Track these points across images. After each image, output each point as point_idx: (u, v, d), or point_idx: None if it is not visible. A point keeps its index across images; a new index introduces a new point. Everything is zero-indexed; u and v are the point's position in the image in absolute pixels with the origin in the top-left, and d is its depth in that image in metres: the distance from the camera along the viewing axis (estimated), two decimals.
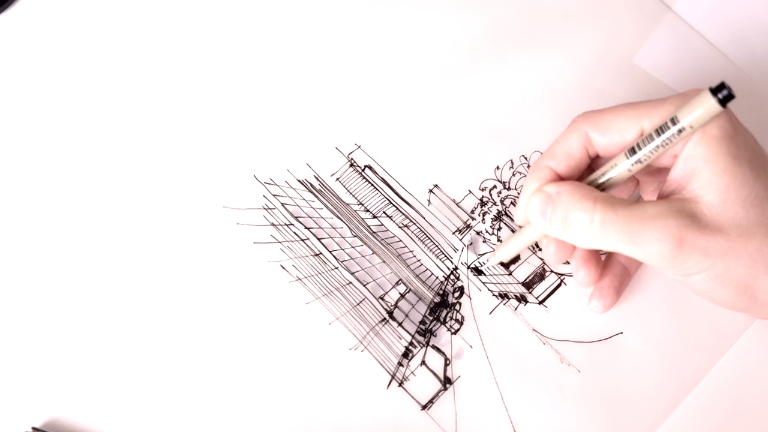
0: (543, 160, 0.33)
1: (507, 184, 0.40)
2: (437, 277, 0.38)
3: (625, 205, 0.29)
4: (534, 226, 0.33)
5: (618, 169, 0.31)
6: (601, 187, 0.31)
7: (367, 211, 0.39)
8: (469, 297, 0.38)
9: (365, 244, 0.39)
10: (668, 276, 0.32)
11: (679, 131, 0.28)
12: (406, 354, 0.37)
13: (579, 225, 0.30)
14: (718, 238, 0.29)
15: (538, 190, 0.32)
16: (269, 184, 0.40)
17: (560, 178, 0.33)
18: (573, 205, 0.30)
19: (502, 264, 0.38)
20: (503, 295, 0.38)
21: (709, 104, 0.28)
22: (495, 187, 0.40)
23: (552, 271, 0.38)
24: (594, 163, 0.34)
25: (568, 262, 0.38)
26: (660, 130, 0.29)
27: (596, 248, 0.31)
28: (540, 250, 0.39)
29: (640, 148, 0.30)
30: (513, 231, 0.39)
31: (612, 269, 0.36)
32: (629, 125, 0.31)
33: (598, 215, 0.29)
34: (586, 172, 0.34)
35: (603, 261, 0.36)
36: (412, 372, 0.37)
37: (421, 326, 0.38)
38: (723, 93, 0.27)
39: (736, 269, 0.29)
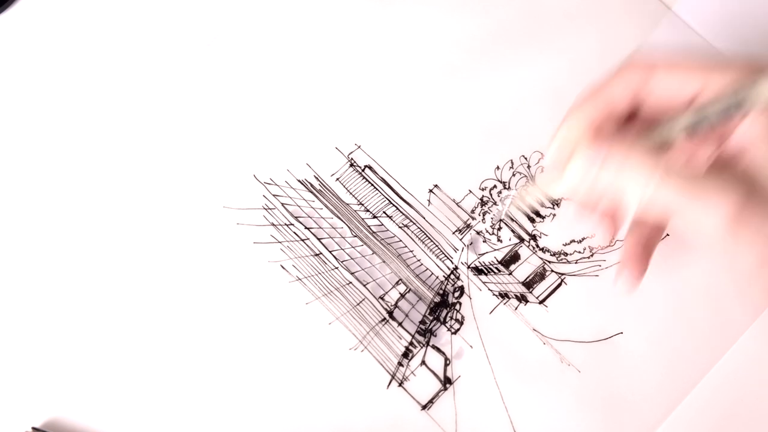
0: (586, 106, 0.31)
1: (507, 184, 0.40)
2: (437, 277, 0.38)
3: (685, 168, 0.28)
4: (566, 175, 0.30)
5: (675, 132, 0.29)
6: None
7: (367, 211, 0.39)
8: (469, 297, 0.38)
9: (365, 244, 0.39)
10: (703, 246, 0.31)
11: (740, 107, 0.28)
12: (406, 354, 0.37)
13: (637, 174, 0.28)
14: None
15: (587, 135, 0.30)
16: (269, 184, 0.40)
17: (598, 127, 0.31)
18: (639, 150, 0.29)
19: (503, 264, 0.38)
20: (503, 295, 0.38)
21: None
22: (495, 187, 0.40)
23: (552, 271, 0.38)
24: (633, 117, 0.32)
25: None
26: (722, 103, 0.28)
27: (644, 205, 0.29)
28: (540, 249, 0.39)
29: (699, 116, 0.29)
30: (513, 231, 0.39)
31: (636, 239, 0.34)
32: (684, 86, 0.30)
33: (661, 170, 0.28)
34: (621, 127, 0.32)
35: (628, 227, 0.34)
36: (412, 372, 0.37)
37: (421, 326, 0.38)
38: None
39: None
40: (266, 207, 0.39)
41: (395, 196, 0.40)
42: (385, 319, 0.38)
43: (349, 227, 0.39)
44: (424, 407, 0.36)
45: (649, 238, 0.34)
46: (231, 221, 0.39)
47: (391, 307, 0.38)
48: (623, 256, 0.34)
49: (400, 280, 0.38)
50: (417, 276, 0.38)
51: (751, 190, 0.28)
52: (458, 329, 0.37)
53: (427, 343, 0.37)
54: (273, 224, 0.39)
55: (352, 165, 0.40)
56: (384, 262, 0.39)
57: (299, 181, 0.40)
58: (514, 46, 0.42)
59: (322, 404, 0.36)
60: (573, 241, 0.39)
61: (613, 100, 0.31)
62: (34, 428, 0.36)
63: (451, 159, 0.40)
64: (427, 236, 0.39)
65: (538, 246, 0.39)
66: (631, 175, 0.29)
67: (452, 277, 0.38)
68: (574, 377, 0.37)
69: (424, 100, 0.41)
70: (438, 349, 0.37)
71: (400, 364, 0.37)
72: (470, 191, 0.40)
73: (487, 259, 0.39)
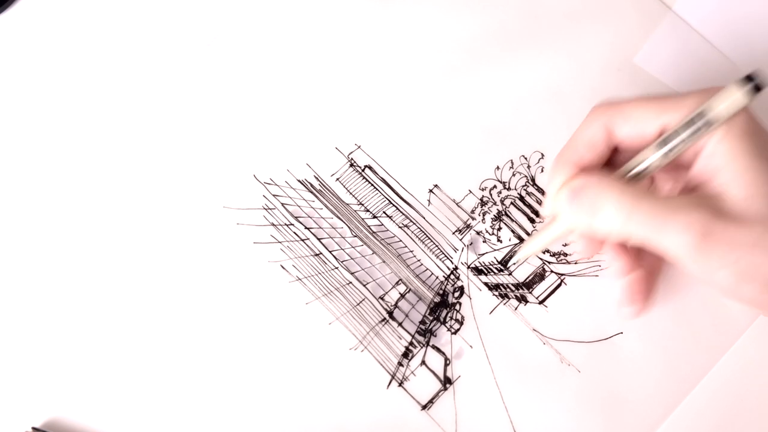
0: (566, 152, 0.33)
1: (507, 184, 0.40)
2: (437, 277, 0.38)
3: (652, 195, 0.29)
4: (560, 220, 0.32)
5: (648, 161, 0.31)
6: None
7: (367, 211, 0.39)
8: (469, 297, 0.38)
9: (365, 244, 0.39)
10: (692, 276, 0.32)
11: (709, 123, 0.29)
12: (406, 354, 0.37)
13: (607, 210, 0.30)
14: (744, 231, 0.28)
15: (567, 182, 0.32)
16: (269, 184, 0.40)
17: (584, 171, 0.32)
18: (602, 190, 0.30)
19: (503, 264, 0.38)
20: (503, 295, 0.38)
21: (739, 95, 0.28)
22: (495, 187, 0.40)
23: (552, 271, 0.38)
24: (613, 156, 0.33)
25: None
26: (690, 122, 0.29)
27: (621, 238, 0.30)
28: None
29: (669, 140, 0.30)
30: (513, 231, 0.39)
31: (639, 274, 0.36)
32: (650, 118, 0.31)
33: (627, 201, 0.29)
34: (605, 167, 0.33)
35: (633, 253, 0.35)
36: (412, 372, 0.37)
37: (421, 326, 0.38)
38: (753, 83, 0.28)
39: (763, 265, 0.29)
40: (266, 207, 0.39)
41: (395, 196, 0.40)
42: (385, 319, 0.38)
43: (349, 227, 0.39)
44: (424, 407, 0.36)
45: (649, 274, 0.35)
46: (231, 221, 0.39)
47: (391, 307, 0.38)
48: (627, 291, 0.35)
49: (400, 280, 0.38)
50: (417, 276, 0.38)
51: (719, 210, 0.29)
52: (458, 329, 0.37)
53: (427, 343, 0.37)
54: (273, 224, 0.39)
55: (352, 165, 0.40)
56: (384, 262, 0.39)
57: (299, 181, 0.40)
58: (514, 46, 0.42)
59: (322, 404, 0.36)
60: (573, 242, 0.39)
61: (587, 140, 0.32)
62: (34, 428, 0.36)
63: (451, 159, 0.40)
64: (427, 236, 0.39)
65: None
66: (602, 206, 0.30)
67: (452, 277, 0.38)
68: (574, 377, 0.37)
69: (423, 100, 0.41)
70: (438, 349, 0.37)
71: (400, 364, 0.37)
72: (470, 191, 0.40)
73: (487, 259, 0.39)
